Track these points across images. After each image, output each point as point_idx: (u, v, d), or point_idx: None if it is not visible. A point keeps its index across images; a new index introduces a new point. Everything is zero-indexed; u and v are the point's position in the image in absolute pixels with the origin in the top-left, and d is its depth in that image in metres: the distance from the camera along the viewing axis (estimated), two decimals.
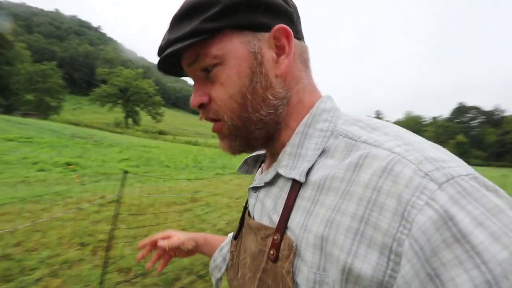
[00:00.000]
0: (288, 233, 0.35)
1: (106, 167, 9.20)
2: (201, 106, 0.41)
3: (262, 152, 0.53)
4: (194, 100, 0.40)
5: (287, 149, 0.39)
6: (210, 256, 0.69)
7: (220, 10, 0.35)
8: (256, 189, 0.46)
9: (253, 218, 0.45)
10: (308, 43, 0.45)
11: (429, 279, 0.24)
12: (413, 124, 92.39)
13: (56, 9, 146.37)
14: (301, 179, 0.36)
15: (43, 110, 47.01)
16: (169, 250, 0.67)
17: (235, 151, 0.43)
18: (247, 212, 0.49)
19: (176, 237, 0.67)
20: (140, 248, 0.69)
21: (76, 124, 36.46)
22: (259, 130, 0.40)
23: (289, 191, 0.37)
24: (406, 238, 0.25)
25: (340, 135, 0.37)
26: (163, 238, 0.68)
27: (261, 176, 0.46)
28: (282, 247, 0.35)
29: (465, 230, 0.23)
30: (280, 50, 0.38)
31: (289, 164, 0.38)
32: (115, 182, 4.93)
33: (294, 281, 0.33)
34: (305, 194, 0.35)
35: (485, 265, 0.22)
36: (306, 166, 0.36)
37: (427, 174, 0.27)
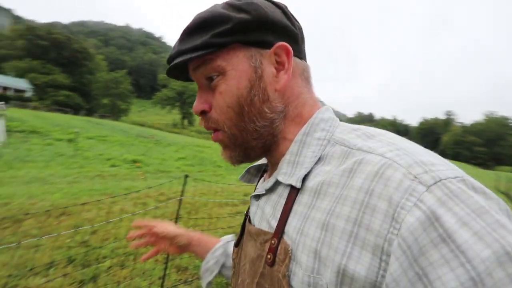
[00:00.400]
0: (285, 237, 0.37)
1: (165, 165, 10.04)
2: (203, 113, 0.43)
3: (264, 162, 0.55)
4: (196, 107, 0.43)
5: (286, 157, 0.41)
6: (201, 257, 0.68)
7: (231, 27, 0.38)
8: (257, 197, 0.48)
9: (253, 225, 0.47)
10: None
11: (417, 278, 0.25)
12: (496, 127, 77.49)
13: (127, 24, 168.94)
14: (297, 184, 0.38)
15: (115, 112, 54.07)
16: (161, 241, 0.68)
17: (235, 161, 0.45)
18: (247, 219, 0.50)
19: (172, 229, 0.68)
20: (135, 227, 0.69)
21: (141, 125, 40.80)
22: (255, 140, 0.42)
23: (287, 197, 0.39)
24: (395, 238, 0.27)
25: (337, 143, 0.38)
26: (149, 233, 0.68)
27: (262, 184, 0.48)
28: (278, 251, 0.36)
29: (451, 230, 0.25)
30: (280, 65, 0.41)
31: (288, 171, 0.40)
32: (174, 179, 5.25)
33: (289, 285, 0.34)
34: (302, 199, 0.37)
35: (470, 263, 0.23)
36: (303, 173, 0.38)
37: (416, 177, 0.28)
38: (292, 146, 0.41)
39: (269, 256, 0.38)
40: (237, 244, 0.53)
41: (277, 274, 0.36)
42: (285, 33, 0.41)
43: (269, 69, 0.41)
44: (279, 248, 0.37)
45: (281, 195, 0.41)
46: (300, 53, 0.44)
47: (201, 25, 0.40)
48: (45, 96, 43.11)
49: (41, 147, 10.30)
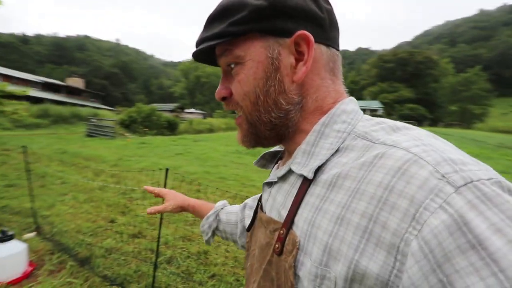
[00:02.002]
0: (294, 228, 0.37)
1: None
2: (224, 98, 0.44)
3: (281, 149, 0.54)
4: (218, 93, 0.44)
5: (302, 146, 0.40)
6: (200, 219, 0.78)
7: (246, 15, 0.37)
8: (270, 184, 0.48)
9: (265, 212, 0.47)
10: None
11: (440, 286, 0.23)
12: None
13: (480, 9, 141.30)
14: (309, 175, 0.37)
15: (466, 119, 46.67)
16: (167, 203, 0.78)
17: (245, 145, 0.45)
18: (260, 206, 0.51)
19: (167, 203, 0.76)
20: (147, 191, 0.83)
21: (505, 132, 30.54)
22: (268, 131, 0.42)
23: (299, 187, 0.39)
24: (414, 238, 0.25)
25: (358, 136, 0.36)
26: (159, 195, 0.80)
27: (275, 171, 0.48)
28: (286, 241, 0.37)
29: (481, 236, 0.23)
30: (300, 55, 0.39)
31: (302, 161, 0.39)
32: None
33: (295, 275, 0.35)
34: (314, 191, 0.36)
35: (503, 273, 0.21)
36: (316, 164, 0.37)
37: (444, 176, 0.26)
38: (309, 136, 0.40)
39: (277, 246, 0.38)
40: (249, 229, 0.54)
41: (284, 264, 0.37)
42: (308, 19, 0.38)
43: (287, 60, 0.39)
44: (287, 238, 0.37)
45: (293, 185, 0.41)
46: (328, 40, 0.40)
47: (221, 13, 0.39)
48: (393, 112, 48.68)
49: None
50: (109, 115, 23.19)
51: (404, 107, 47.72)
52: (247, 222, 0.66)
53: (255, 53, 0.39)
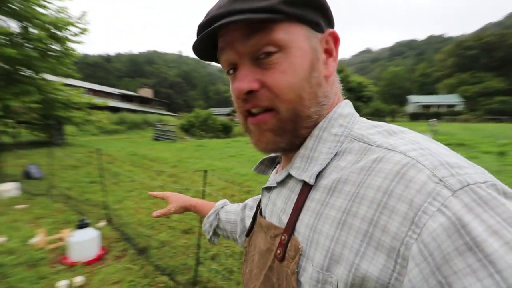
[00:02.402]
0: (296, 234, 0.37)
1: None
2: (250, 92, 0.38)
3: (278, 154, 0.54)
4: (243, 84, 0.37)
5: (301, 151, 0.40)
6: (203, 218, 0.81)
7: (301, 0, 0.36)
8: (269, 189, 0.48)
9: (264, 217, 0.47)
10: None
11: (439, 287, 0.24)
12: None
13: None
14: (311, 181, 0.37)
15: None
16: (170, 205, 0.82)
17: (277, 147, 0.41)
18: (259, 211, 0.51)
19: (170, 205, 0.81)
20: (150, 195, 0.90)
21: None
22: (305, 129, 0.40)
23: (299, 193, 0.39)
24: (414, 242, 0.26)
25: (355, 139, 0.37)
26: (163, 199, 0.85)
27: (274, 176, 0.47)
28: (289, 247, 0.37)
29: (479, 238, 0.23)
30: (327, 53, 0.40)
31: (301, 166, 0.39)
32: None
33: (298, 281, 0.35)
34: (315, 196, 0.36)
35: (499, 274, 0.22)
36: (317, 169, 0.37)
37: (441, 180, 0.27)
38: (307, 141, 0.40)
39: (278, 251, 0.38)
40: (248, 234, 0.53)
41: (286, 270, 0.36)
42: (330, 21, 0.40)
43: (321, 54, 0.39)
44: (289, 244, 0.37)
45: (293, 190, 0.41)
46: None
47: None
48: (476, 107, 41.66)
49: None
50: (172, 121, 25.74)
51: (493, 101, 40.28)
52: (248, 223, 0.67)
53: (301, 41, 0.36)
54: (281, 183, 0.44)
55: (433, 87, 59.89)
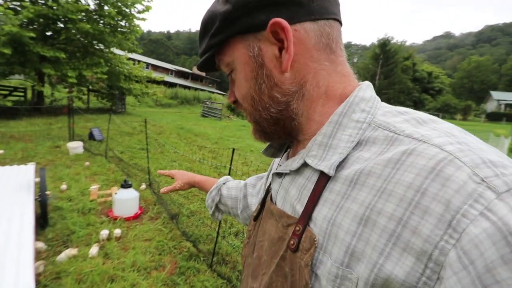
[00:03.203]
0: (312, 225, 0.36)
1: None
2: (235, 102, 0.46)
3: None
4: (229, 97, 0.47)
5: (318, 138, 0.38)
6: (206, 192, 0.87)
7: (218, 25, 0.39)
8: (280, 175, 0.47)
9: (275, 203, 0.46)
10: None
11: None
12: None
13: None
14: (331, 172, 0.35)
15: None
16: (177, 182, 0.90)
17: (258, 140, 0.46)
18: (269, 196, 0.50)
19: (177, 182, 0.88)
20: (159, 173, 0.99)
21: None
22: (272, 126, 0.42)
23: (316, 182, 0.37)
24: (452, 248, 0.24)
25: (379, 127, 0.35)
26: (170, 176, 0.93)
27: (287, 162, 0.45)
28: (303, 238, 0.36)
29: None
30: (282, 43, 0.37)
31: (319, 155, 0.37)
32: None
33: (312, 274, 0.34)
34: (334, 187, 0.35)
35: None
36: (337, 159, 0.35)
37: (483, 180, 0.25)
38: (325, 127, 0.38)
39: (292, 242, 0.37)
40: (255, 218, 0.53)
41: (300, 261, 0.36)
42: (278, 4, 0.36)
43: (271, 52, 0.38)
44: (303, 236, 0.36)
45: (309, 179, 0.39)
46: (312, 14, 0.37)
47: (203, 29, 0.42)
48: None
49: None
50: (220, 99, 26.64)
51: None
52: (252, 202, 0.71)
53: (240, 56, 0.40)
54: (296, 170, 0.42)
55: None
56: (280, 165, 0.48)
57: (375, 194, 0.30)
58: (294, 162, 0.41)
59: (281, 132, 0.43)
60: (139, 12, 11.04)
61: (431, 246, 0.25)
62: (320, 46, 0.38)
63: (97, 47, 11.18)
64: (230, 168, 2.34)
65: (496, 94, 42.69)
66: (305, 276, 0.34)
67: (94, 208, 3.24)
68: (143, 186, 4.02)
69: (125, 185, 3.16)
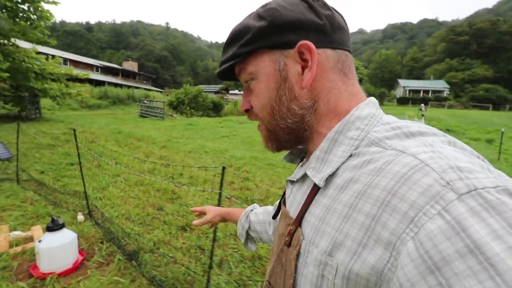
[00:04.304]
0: (305, 224, 0.41)
1: None
2: (247, 110, 0.50)
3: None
4: (242, 106, 0.50)
5: (316, 152, 0.43)
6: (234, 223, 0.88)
7: (251, 37, 0.42)
8: (292, 182, 0.51)
9: (285, 206, 0.52)
10: None
11: None
12: None
13: None
14: (321, 184, 0.40)
15: None
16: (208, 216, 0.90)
17: (271, 149, 0.50)
18: (283, 200, 0.56)
19: (208, 215, 0.88)
20: (193, 211, 0.95)
21: None
22: (287, 135, 0.46)
23: (309, 191, 0.43)
24: (411, 239, 0.27)
25: (372, 143, 0.38)
26: (202, 212, 0.92)
27: (296, 171, 0.51)
28: (294, 237, 0.42)
29: (480, 241, 0.24)
30: (306, 63, 0.42)
31: (316, 167, 0.42)
32: None
33: (303, 262, 0.40)
34: (328, 193, 0.39)
35: (500, 276, 0.22)
36: (327, 173, 0.40)
37: (448, 183, 0.28)
38: (323, 143, 0.42)
39: (287, 238, 0.44)
40: (274, 217, 0.61)
41: (290, 255, 0.42)
42: (308, 28, 0.41)
43: (294, 69, 0.42)
44: (295, 235, 0.42)
45: (309, 186, 0.44)
46: (332, 43, 0.43)
47: (232, 38, 0.45)
48: (462, 93, 42.31)
49: None
50: (159, 97, 24.42)
51: (478, 88, 40.91)
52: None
53: (265, 68, 0.43)
54: (301, 179, 0.47)
55: (422, 72, 60.11)
56: (293, 173, 0.52)
57: (356, 196, 0.34)
58: (300, 172, 0.47)
59: (294, 141, 0.47)
60: None
61: (395, 237, 0.29)
62: (335, 70, 0.42)
63: None
64: (220, 192, 1.69)
65: (402, 82, 49.83)
66: (291, 266, 0.41)
67: (7, 267, 2.19)
68: (80, 217, 3.00)
69: (54, 227, 2.20)
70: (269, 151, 0.50)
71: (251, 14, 0.45)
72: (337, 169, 0.39)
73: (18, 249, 2.40)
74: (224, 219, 0.87)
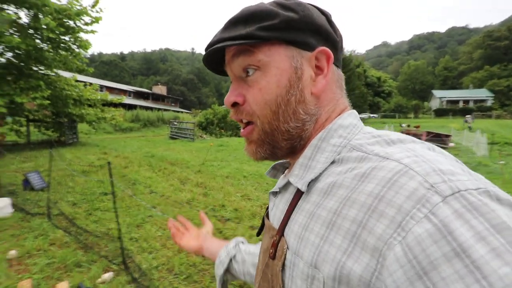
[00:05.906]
0: (289, 233, 0.39)
1: None
2: (234, 105, 0.44)
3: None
4: (230, 97, 0.43)
5: (300, 160, 0.42)
6: (211, 259, 0.76)
7: (277, 23, 0.38)
8: (275, 193, 0.50)
9: (269, 219, 0.50)
10: None
11: None
12: None
13: None
14: (303, 188, 0.39)
15: None
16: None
17: (260, 157, 0.45)
18: (266, 214, 0.54)
19: (185, 241, 0.78)
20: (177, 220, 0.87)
21: None
22: (285, 141, 0.43)
23: (293, 197, 0.42)
24: (398, 244, 0.27)
25: (354, 149, 0.38)
26: (185, 229, 0.81)
27: (278, 181, 0.50)
28: (278, 247, 0.40)
29: (465, 244, 0.24)
30: (318, 70, 0.42)
31: (299, 174, 0.41)
32: None
33: (290, 276, 0.38)
34: (310, 198, 0.38)
35: (486, 279, 0.23)
36: (310, 178, 0.39)
37: (432, 186, 0.28)
38: (307, 150, 0.42)
39: (271, 251, 0.42)
40: (258, 234, 0.58)
41: (276, 267, 0.40)
42: (327, 39, 0.42)
43: (308, 72, 0.41)
44: (279, 244, 0.40)
45: (292, 193, 0.43)
46: (337, 62, 0.44)
47: (248, 17, 0.40)
48: (509, 102, 38.60)
49: None
50: (188, 118, 24.78)
51: None
52: None
53: (280, 62, 0.39)
54: (283, 188, 0.46)
55: (457, 81, 56.43)
56: (275, 186, 0.51)
57: (341, 202, 0.33)
58: (282, 181, 0.46)
59: (289, 149, 0.44)
60: (86, 24, 9.19)
61: (382, 243, 0.27)
62: (337, 85, 0.44)
63: (35, 68, 9.01)
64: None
65: (437, 93, 46.89)
66: (279, 280, 0.38)
67: None
68: (108, 275, 2.40)
69: None
70: (252, 158, 0.46)
71: (270, 2, 0.41)
72: (320, 174, 0.39)
73: None
74: (200, 249, 0.75)
